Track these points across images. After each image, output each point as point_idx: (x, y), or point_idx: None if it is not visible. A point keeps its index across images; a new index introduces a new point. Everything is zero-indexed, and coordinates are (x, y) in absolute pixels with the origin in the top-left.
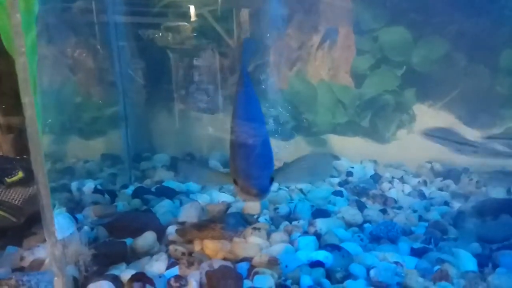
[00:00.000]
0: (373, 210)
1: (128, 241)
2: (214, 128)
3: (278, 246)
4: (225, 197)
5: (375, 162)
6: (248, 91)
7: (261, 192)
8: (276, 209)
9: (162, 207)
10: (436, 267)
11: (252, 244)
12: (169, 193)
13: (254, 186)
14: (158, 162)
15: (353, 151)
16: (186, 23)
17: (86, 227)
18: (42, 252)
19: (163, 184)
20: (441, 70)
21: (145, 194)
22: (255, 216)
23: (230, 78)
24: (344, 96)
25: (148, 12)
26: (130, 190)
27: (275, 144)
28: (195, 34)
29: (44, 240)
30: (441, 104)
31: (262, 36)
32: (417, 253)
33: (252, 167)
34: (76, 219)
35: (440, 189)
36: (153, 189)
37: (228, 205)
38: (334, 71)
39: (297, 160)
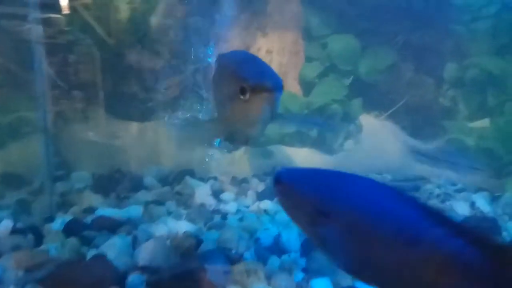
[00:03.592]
0: None
1: None
2: (145, 139)
3: None
4: (186, 226)
5: None
6: None
7: (278, 85)
8: (257, 240)
9: (112, 247)
10: None
11: None
12: (111, 225)
13: (270, 78)
14: (78, 182)
15: (301, 163)
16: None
17: None
18: None
19: (97, 212)
20: (387, 80)
21: (82, 229)
22: (234, 251)
23: (167, 80)
24: (292, 104)
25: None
26: (58, 224)
27: (217, 156)
28: (128, 31)
29: None
30: (387, 114)
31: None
32: None
33: (262, 65)
34: None
35: None
36: (88, 221)
37: (198, 238)
38: (282, 77)
39: None
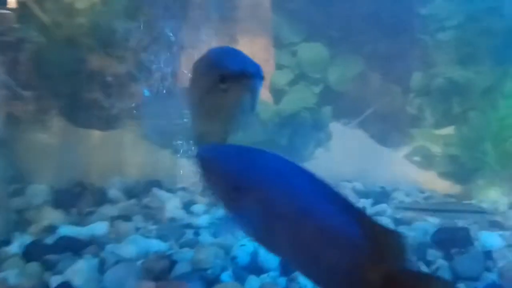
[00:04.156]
0: None
1: None
2: (108, 148)
3: None
4: (156, 244)
5: None
6: None
7: (258, 72)
8: (233, 258)
9: (78, 272)
10: None
11: None
12: (75, 246)
13: (249, 65)
14: (36, 197)
15: None
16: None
17: None
18: None
19: (58, 231)
20: (356, 88)
21: (44, 252)
22: (210, 272)
23: (134, 86)
24: (263, 112)
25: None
26: (16, 247)
27: (186, 164)
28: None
29: None
30: (356, 122)
31: None
32: None
33: (241, 54)
34: None
35: (379, 214)
36: (50, 242)
37: (171, 259)
38: None
39: None
